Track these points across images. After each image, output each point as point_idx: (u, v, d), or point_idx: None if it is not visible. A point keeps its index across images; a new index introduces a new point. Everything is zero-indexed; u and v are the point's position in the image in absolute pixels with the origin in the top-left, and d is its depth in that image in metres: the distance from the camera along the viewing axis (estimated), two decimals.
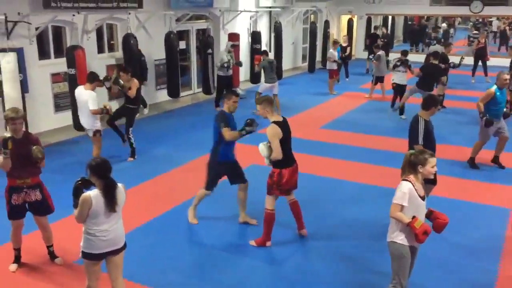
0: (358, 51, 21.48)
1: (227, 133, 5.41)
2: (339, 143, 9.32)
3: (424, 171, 3.85)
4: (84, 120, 7.30)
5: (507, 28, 25.09)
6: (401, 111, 11.28)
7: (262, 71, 11.74)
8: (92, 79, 7.19)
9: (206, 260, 5.16)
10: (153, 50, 11.77)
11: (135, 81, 8.04)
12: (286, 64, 17.26)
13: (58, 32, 10.06)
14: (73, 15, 8.99)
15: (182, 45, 12.90)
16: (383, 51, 13.47)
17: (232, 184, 5.86)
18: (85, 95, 7.13)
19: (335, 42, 14.45)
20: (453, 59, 12.01)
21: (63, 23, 9.85)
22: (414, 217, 3.77)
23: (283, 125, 5.08)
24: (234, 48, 12.42)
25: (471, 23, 28.56)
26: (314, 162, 8.04)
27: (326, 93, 14.11)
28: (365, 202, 6.56)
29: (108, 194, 3.76)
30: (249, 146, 8.56)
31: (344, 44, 16.04)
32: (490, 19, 28.47)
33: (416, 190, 3.84)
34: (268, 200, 5.26)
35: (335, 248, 5.37)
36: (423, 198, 3.90)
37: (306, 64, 18.32)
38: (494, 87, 7.62)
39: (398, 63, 11.53)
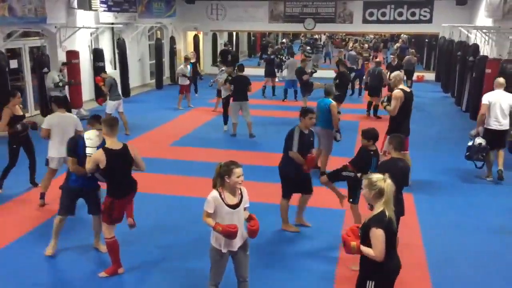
0: (206, 66, 21.90)
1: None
2: (190, 159, 9.32)
3: (230, 181, 4.03)
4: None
5: (328, 43, 28.73)
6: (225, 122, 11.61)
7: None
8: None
9: None
10: None
11: None
12: (134, 81, 16.85)
13: None
14: None
15: (13, 64, 11.82)
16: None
17: (88, 212, 5.52)
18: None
19: (186, 59, 14.57)
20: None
21: None
22: (217, 223, 4.00)
23: (114, 154, 4.78)
24: (66, 66, 11.86)
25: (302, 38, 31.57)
26: (164, 181, 7.92)
27: (175, 109, 14.10)
28: None
29: None
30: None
31: (193, 60, 16.17)
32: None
33: (223, 199, 4.05)
34: (104, 230, 5.01)
35: (185, 263, 5.33)
36: (233, 207, 4.07)
37: (154, 80, 18.10)
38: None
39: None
